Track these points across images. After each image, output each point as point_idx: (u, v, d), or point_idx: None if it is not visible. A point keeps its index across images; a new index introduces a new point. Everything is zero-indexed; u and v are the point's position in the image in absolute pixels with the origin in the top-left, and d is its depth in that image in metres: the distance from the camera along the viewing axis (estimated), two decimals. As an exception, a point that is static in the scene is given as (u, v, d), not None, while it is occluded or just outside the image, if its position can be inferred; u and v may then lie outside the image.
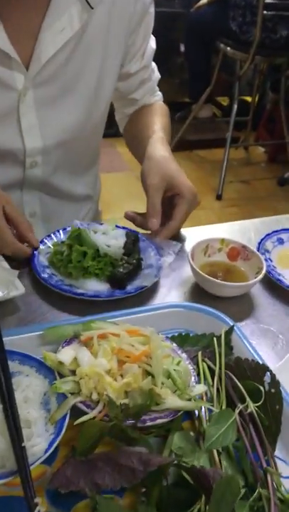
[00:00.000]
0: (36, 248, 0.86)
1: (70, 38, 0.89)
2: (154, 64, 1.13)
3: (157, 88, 1.18)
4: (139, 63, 1.06)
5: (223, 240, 0.91)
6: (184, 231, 1.02)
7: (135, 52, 1.03)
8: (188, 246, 0.89)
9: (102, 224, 0.93)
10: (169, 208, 0.92)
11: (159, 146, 0.97)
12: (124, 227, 0.93)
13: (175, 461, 0.51)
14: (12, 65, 0.87)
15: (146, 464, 0.49)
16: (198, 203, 0.94)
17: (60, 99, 0.94)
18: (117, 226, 0.92)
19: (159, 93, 1.18)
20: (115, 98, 1.13)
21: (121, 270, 0.84)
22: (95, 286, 0.83)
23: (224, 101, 3.72)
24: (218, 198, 2.94)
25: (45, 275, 0.82)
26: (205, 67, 3.27)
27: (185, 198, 0.91)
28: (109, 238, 0.88)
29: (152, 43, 1.08)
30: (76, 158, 1.06)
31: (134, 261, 0.86)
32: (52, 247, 0.88)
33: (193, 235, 1.00)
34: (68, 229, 0.90)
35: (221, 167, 2.96)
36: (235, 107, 2.97)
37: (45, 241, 0.89)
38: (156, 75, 1.15)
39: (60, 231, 0.91)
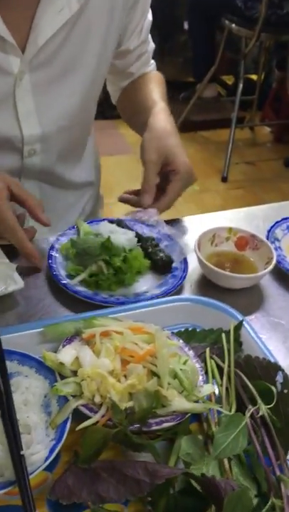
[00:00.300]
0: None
1: (68, 19, 0.85)
2: (148, 35, 1.08)
3: (151, 58, 1.13)
4: (138, 39, 1.03)
5: (230, 229, 0.87)
6: (188, 219, 0.98)
7: (133, 28, 1.00)
8: (194, 235, 0.85)
9: (73, 227, 0.88)
10: (165, 184, 0.90)
11: (161, 117, 0.94)
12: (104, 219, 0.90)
13: (183, 471, 0.48)
14: (7, 48, 0.82)
15: (153, 476, 0.46)
16: (195, 180, 0.92)
17: (58, 83, 0.90)
18: (92, 221, 0.89)
19: (153, 62, 1.14)
20: (110, 72, 1.09)
21: (161, 255, 0.83)
22: (143, 283, 0.82)
23: (229, 80, 3.62)
24: (224, 180, 2.89)
25: (100, 297, 0.77)
26: (209, 45, 3.18)
27: (180, 174, 0.89)
28: (117, 234, 0.84)
29: (149, 15, 1.04)
30: (75, 144, 1.02)
31: (154, 242, 0.86)
32: (74, 273, 0.79)
33: (199, 223, 0.96)
34: (58, 244, 0.83)
35: (226, 148, 2.90)
36: (241, 85, 2.89)
37: (57, 273, 0.79)
38: (151, 46, 1.10)
39: (54, 254, 0.82)
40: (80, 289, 0.77)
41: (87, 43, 0.90)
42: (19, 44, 0.83)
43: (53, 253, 0.82)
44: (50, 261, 0.80)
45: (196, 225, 0.95)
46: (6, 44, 0.81)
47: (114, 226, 0.85)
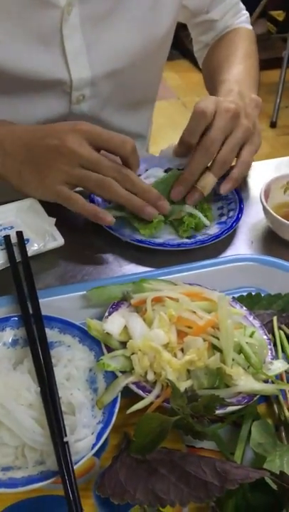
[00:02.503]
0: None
1: None
2: None
3: (242, 7, 0.99)
4: None
5: None
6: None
7: None
8: (242, 185, 0.74)
9: None
10: None
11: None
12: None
13: (263, 475, 0.40)
14: None
15: (223, 478, 0.38)
16: (239, 126, 0.72)
17: (110, 19, 0.77)
18: None
19: (245, 12, 0.99)
20: (189, 23, 0.96)
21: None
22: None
23: (279, 15, 3.34)
24: (273, 125, 2.69)
25: (165, 242, 0.69)
26: (259, -25, 2.90)
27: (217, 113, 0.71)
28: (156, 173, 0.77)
29: None
30: (129, 91, 0.89)
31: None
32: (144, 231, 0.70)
33: (259, 170, 0.84)
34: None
35: (276, 90, 2.68)
36: (294, 20, 2.63)
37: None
38: None
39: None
40: (139, 236, 0.69)
41: None
42: None
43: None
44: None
45: (252, 174, 0.84)
46: None
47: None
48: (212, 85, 0.88)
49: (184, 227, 0.70)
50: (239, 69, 0.86)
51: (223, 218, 0.73)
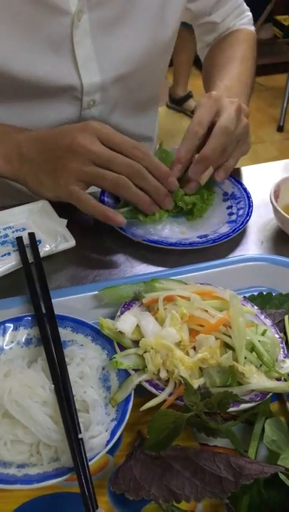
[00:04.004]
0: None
1: None
2: None
3: (246, 8, 1.00)
4: None
5: None
6: (256, 167, 0.87)
7: None
8: (251, 186, 0.75)
9: None
10: None
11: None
12: None
13: (278, 470, 0.40)
14: None
15: (238, 474, 0.38)
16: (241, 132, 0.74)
17: (119, 24, 0.78)
18: None
19: (248, 14, 1.00)
20: (193, 23, 0.98)
21: None
22: (206, 225, 0.75)
23: (285, 20, 3.35)
24: (280, 129, 2.70)
25: (168, 241, 0.70)
26: (265, -20, 2.93)
27: (219, 120, 0.72)
28: None
29: None
30: (137, 94, 0.90)
31: None
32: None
33: (255, 172, 0.85)
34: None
35: (283, 95, 2.70)
36: (300, 25, 2.65)
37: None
38: None
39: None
40: (151, 237, 0.70)
41: None
42: None
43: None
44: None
45: (251, 175, 0.84)
46: None
47: None
48: (207, 88, 0.91)
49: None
50: (232, 74, 0.88)
51: (233, 217, 0.74)
